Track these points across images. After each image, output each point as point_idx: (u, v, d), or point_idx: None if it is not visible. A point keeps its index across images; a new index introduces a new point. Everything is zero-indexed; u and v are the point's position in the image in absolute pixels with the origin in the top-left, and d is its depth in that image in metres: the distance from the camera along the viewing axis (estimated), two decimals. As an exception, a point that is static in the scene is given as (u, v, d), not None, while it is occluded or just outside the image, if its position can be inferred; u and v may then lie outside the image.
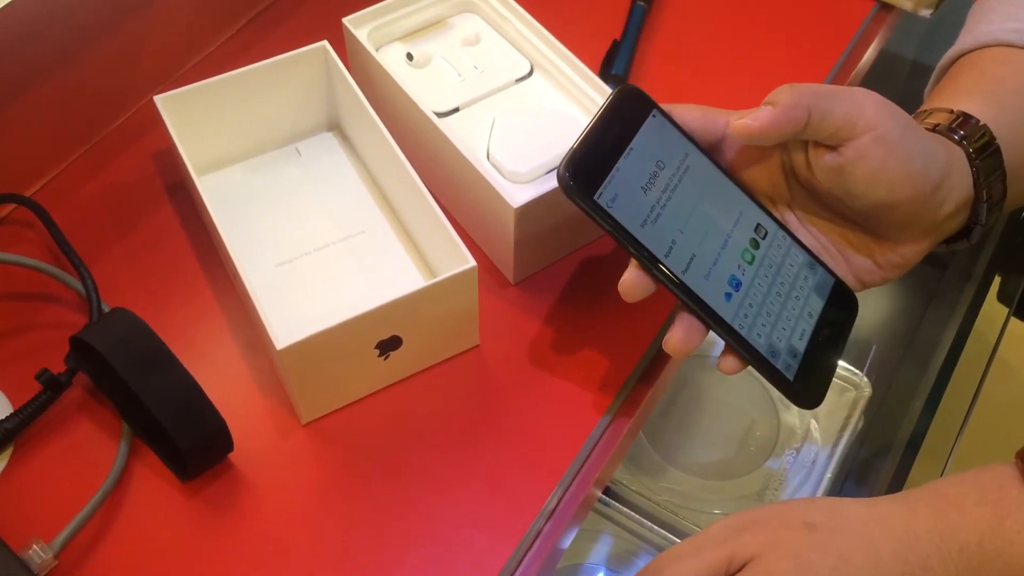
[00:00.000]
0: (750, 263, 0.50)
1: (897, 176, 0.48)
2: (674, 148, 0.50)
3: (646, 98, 0.51)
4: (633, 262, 0.48)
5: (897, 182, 0.48)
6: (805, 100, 0.47)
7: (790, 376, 0.49)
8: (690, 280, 0.48)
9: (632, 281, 0.48)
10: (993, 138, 0.51)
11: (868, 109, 0.47)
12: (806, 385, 0.49)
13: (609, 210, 0.47)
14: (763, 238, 0.51)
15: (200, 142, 0.61)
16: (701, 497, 0.71)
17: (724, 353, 0.49)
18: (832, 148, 0.48)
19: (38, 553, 0.47)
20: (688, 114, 0.51)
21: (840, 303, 0.52)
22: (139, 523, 0.51)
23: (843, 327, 0.52)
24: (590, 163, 0.48)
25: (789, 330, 0.50)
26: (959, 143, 0.51)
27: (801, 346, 0.50)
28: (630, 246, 0.47)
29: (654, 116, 0.50)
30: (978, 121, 0.51)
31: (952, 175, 0.49)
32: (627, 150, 0.49)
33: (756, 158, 0.51)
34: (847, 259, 0.53)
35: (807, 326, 0.51)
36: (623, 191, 0.48)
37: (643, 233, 0.47)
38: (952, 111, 0.52)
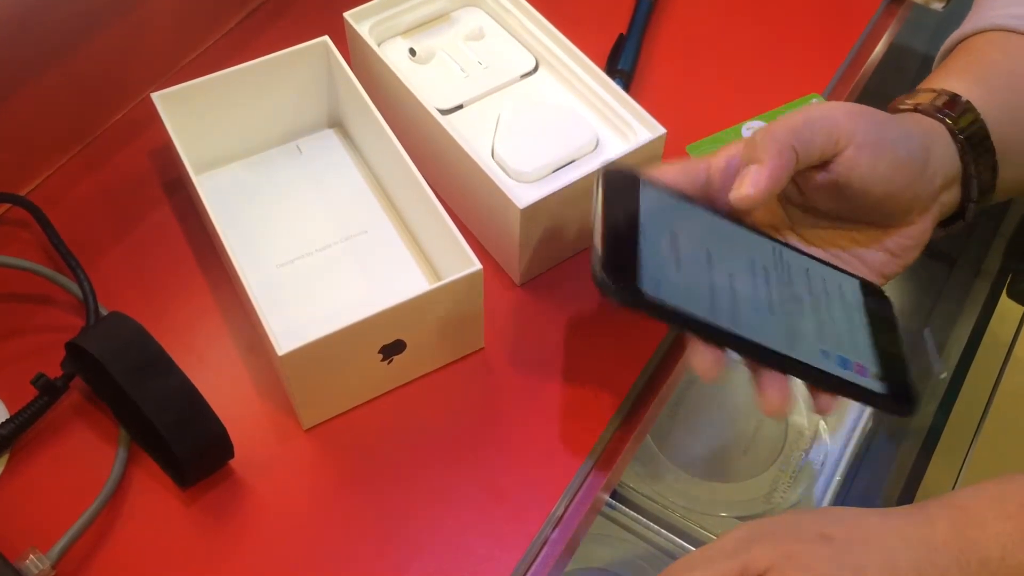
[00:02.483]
0: (791, 299, 0.49)
1: (888, 169, 0.48)
2: (677, 212, 0.48)
3: (629, 172, 0.48)
4: (694, 340, 0.45)
5: (890, 174, 0.48)
6: (787, 142, 0.46)
7: (881, 389, 0.47)
8: (755, 335, 0.45)
9: (706, 360, 0.45)
10: (977, 114, 0.51)
11: (842, 120, 0.47)
12: (899, 390, 0.48)
13: (660, 300, 0.44)
14: (788, 269, 0.50)
15: (198, 140, 0.60)
16: (709, 499, 0.70)
17: (813, 394, 0.47)
18: (820, 167, 0.48)
19: (35, 563, 0.47)
20: (669, 174, 0.49)
21: (875, 300, 0.51)
22: (138, 531, 0.50)
23: (891, 321, 0.51)
24: (618, 260, 0.44)
25: (854, 345, 0.48)
26: (940, 119, 0.51)
27: (872, 356, 0.48)
28: (690, 328, 0.44)
29: (644, 186, 0.48)
30: (960, 98, 0.51)
31: (935, 148, 0.50)
32: (640, 231, 0.46)
33: None
34: (861, 259, 0.52)
35: (864, 334, 0.49)
36: (661, 274, 0.45)
37: (698, 308, 0.45)
38: (934, 90, 0.52)
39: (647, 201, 0.48)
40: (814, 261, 0.51)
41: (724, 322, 0.45)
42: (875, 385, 0.47)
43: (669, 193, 0.49)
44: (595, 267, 0.44)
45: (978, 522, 0.43)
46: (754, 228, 0.51)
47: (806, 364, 0.46)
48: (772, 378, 0.46)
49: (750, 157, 0.47)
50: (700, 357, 0.45)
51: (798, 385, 0.48)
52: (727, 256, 0.48)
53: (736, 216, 0.50)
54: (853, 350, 0.48)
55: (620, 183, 0.48)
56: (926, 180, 0.49)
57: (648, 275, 0.44)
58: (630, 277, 0.44)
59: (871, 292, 0.52)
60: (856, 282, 0.52)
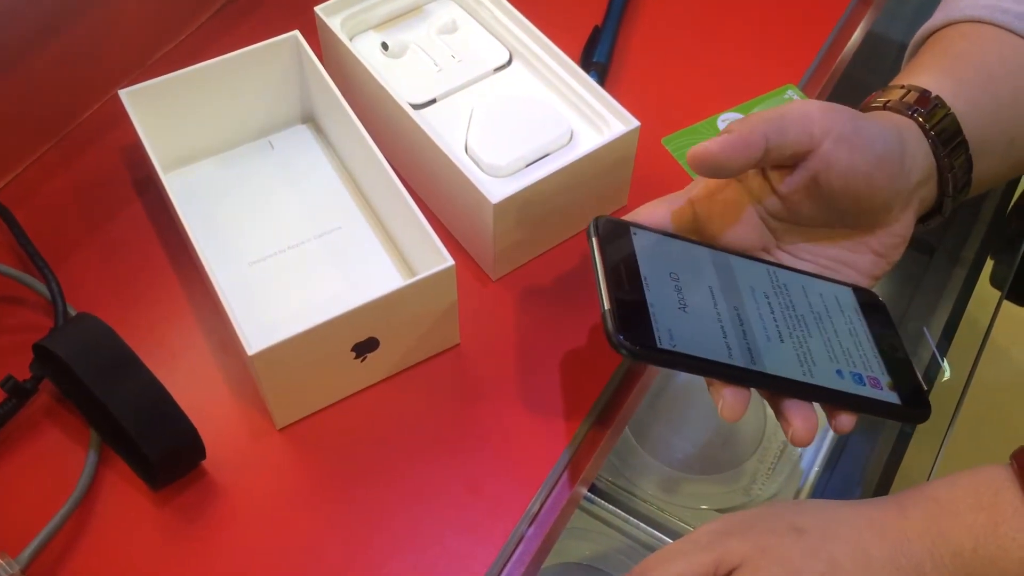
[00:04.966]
0: (797, 322, 0.48)
1: (867, 166, 0.47)
2: (672, 253, 0.48)
3: (618, 222, 0.48)
4: (715, 383, 0.45)
5: (869, 171, 0.48)
6: (759, 128, 0.46)
7: (896, 400, 0.47)
8: (774, 368, 0.45)
9: (732, 402, 0.44)
10: (948, 109, 0.51)
11: (816, 116, 0.47)
12: (912, 397, 0.47)
13: (679, 352, 0.43)
14: (787, 291, 0.49)
15: (168, 137, 0.59)
16: (688, 492, 0.70)
17: (831, 415, 0.47)
18: (796, 165, 0.48)
19: (4, 568, 0.46)
20: (654, 214, 0.49)
21: (870, 305, 0.51)
22: (109, 534, 0.49)
23: (889, 324, 0.51)
24: (630, 318, 0.43)
25: (863, 358, 0.48)
26: (911, 117, 0.51)
27: (881, 366, 0.48)
28: (711, 373, 0.44)
29: (636, 234, 0.47)
30: (930, 93, 0.51)
31: (908, 145, 0.49)
32: (644, 282, 0.45)
33: (733, 221, 0.50)
34: (850, 265, 0.52)
35: (869, 344, 0.49)
36: (673, 324, 0.44)
37: (716, 352, 0.44)
38: (903, 86, 0.52)
39: (642, 249, 0.47)
40: (807, 276, 0.51)
41: (742, 361, 0.44)
42: (891, 396, 0.47)
43: (660, 235, 0.48)
44: (608, 328, 0.43)
45: (951, 513, 0.43)
46: (746, 255, 0.50)
47: (826, 388, 0.46)
48: (795, 407, 0.45)
49: (722, 132, 0.46)
50: (724, 400, 0.44)
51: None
52: (728, 289, 0.47)
53: (728, 248, 0.50)
54: (863, 364, 0.48)
55: (612, 235, 0.47)
56: (904, 176, 0.49)
57: (662, 328, 0.44)
58: (646, 335, 0.43)
59: (865, 298, 0.51)
60: (849, 290, 0.51)
